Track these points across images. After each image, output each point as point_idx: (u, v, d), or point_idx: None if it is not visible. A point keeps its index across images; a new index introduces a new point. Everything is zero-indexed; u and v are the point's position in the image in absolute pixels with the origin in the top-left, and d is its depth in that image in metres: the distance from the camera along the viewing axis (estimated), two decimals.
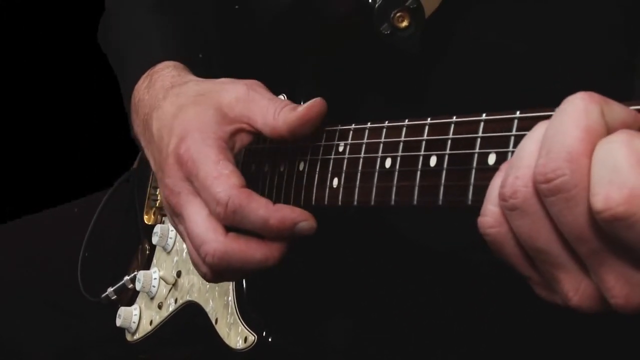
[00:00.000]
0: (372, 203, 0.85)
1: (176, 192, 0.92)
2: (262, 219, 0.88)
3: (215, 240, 0.89)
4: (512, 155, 0.67)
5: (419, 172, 0.79)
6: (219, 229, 0.89)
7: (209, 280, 0.94)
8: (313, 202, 0.94)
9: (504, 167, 0.67)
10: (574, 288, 0.63)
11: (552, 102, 0.66)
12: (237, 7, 1.23)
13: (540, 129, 0.63)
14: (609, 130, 0.60)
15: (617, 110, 0.61)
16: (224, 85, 0.98)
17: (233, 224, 0.89)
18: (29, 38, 2.38)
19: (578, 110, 0.59)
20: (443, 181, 0.76)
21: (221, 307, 1.06)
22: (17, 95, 2.37)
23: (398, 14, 0.96)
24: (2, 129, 2.35)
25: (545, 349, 1.04)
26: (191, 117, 0.94)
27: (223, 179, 0.88)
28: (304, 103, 1.03)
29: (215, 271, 0.91)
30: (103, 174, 1.37)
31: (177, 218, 0.94)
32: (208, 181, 0.89)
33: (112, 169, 1.35)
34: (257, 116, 0.94)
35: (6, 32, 2.34)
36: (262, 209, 0.88)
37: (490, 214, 0.66)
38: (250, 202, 0.88)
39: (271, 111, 0.93)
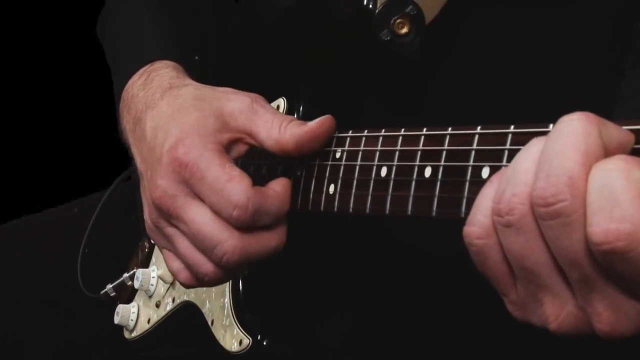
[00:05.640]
0: (367, 211, 0.85)
1: (170, 194, 0.90)
2: (279, 210, 0.90)
3: (232, 237, 0.88)
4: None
5: (413, 182, 0.79)
6: (230, 227, 0.88)
7: (208, 282, 0.93)
8: (309, 208, 0.94)
9: (495, 178, 0.66)
10: (556, 312, 0.63)
11: (550, 110, 0.66)
12: (237, 9, 1.23)
13: (536, 145, 0.63)
14: (606, 152, 0.59)
15: (613, 132, 0.60)
16: (227, 94, 0.96)
17: (250, 225, 0.88)
18: (29, 38, 2.38)
19: (577, 132, 0.59)
20: (437, 192, 0.76)
21: (217, 309, 1.07)
22: (17, 95, 2.37)
23: (398, 20, 0.97)
24: (2, 129, 2.35)
25: (544, 353, 1.04)
26: (190, 121, 0.92)
27: (236, 182, 0.87)
28: (302, 107, 1.04)
29: (228, 268, 0.90)
30: (103, 174, 1.37)
31: (171, 220, 0.92)
32: (219, 185, 0.87)
33: (111, 169, 1.35)
34: (261, 128, 0.92)
35: (6, 32, 2.34)
36: (276, 201, 0.90)
37: (479, 225, 0.65)
38: (265, 198, 0.89)
39: (277, 125, 0.92)
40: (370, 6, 0.97)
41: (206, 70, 1.15)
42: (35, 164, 2.36)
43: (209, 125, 0.92)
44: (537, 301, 0.64)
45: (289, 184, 0.92)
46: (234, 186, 0.87)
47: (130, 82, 1.07)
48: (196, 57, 1.14)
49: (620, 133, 0.61)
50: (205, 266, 0.91)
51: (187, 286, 0.97)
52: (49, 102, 2.39)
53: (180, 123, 0.93)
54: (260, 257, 0.91)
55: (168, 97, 0.98)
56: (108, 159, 1.09)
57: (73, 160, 2.33)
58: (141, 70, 1.07)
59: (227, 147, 0.93)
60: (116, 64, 1.17)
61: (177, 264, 0.95)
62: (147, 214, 0.96)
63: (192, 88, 0.99)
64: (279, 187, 0.91)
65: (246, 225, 0.88)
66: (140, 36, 1.15)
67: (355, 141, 0.89)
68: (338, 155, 0.91)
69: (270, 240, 0.90)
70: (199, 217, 0.89)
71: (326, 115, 0.92)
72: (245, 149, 0.95)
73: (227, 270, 0.91)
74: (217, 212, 0.88)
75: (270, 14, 1.16)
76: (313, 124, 0.91)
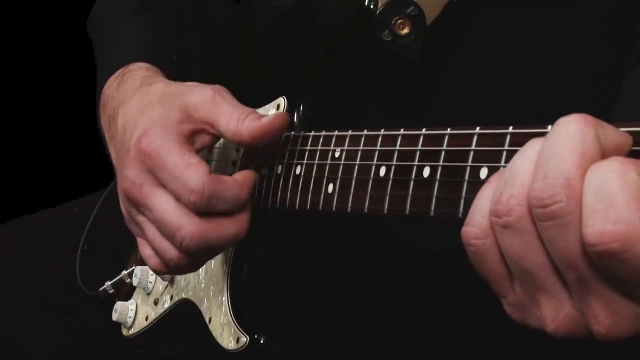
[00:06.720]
0: (366, 211, 0.85)
1: (138, 184, 0.95)
2: (236, 197, 0.93)
3: (191, 223, 0.92)
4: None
5: (412, 182, 0.79)
6: (191, 214, 0.92)
7: (174, 267, 0.96)
8: (308, 207, 0.95)
9: (494, 180, 0.66)
10: (553, 314, 0.63)
11: (551, 111, 0.66)
12: (237, 13, 1.24)
13: (534, 147, 0.63)
14: (603, 154, 0.59)
15: (611, 134, 0.60)
16: (192, 87, 1.01)
17: (207, 210, 0.92)
18: (28, 38, 2.38)
19: (574, 134, 0.59)
20: (435, 193, 0.76)
21: (215, 307, 1.07)
22: (17, 95, 2.37)
23: (399, 21, 0.97)
24: (2, 129, 2.35)
25: (543, 352, 1.04)
26: (156, 115, 0.98)
27: (194, 169, 0.92)
28: (303, 107, 1.05)
29: (190, 254, 0.94)
30: (103, 174, 1.38)
31: (139, 209, 0.97)
32: (178, 172, 0.92)
33: (111, 169, 1.35)
34: (221, 120, 0.96)
35: (6, 32, 2.34)
36: (233, 188, 0.93)
37: (477, 225, 0.65)
38: (222, 184, 0.92)
39: (235, 117, 0.96)
40: (372, 7, 0.97)
41: (187, 68, 1.20)
42: (35, 164, 2.36)
43: (173, 117, 0.97)
44: (535, 303, 0.64)
45: (252, 175, 0.97)
46: (192, 172, 0.91)
47: (107, 84, 1.12)
48: (174, 57, 1.18)
49: (617, 135, 0.61)
50: (170, 252, 0.95)
51: (158, 273, 1.03)
52: (49, 102, 2.39)
53: (146, 117, 0.98)
54: (221, 244, 0.95)
55: (139, 95, 1.04)
56: (107, 159, 1.10)
57: (73, 160, 2.33)
58: (117, 73, 1.12)
59: (190, 138, 0.97)
60: (99, 67, 1.22)
61: (148, 251, 0.99)
62: (122, 205, 1.02)
63: (161, 85, 1.05)
64: (240, 176, 0.96)
65: (203, 210, 0.92)
66: (120, 41, 1.20)
67: (355, 141, 0.90)
68: (337, 154, 0.92)
69: (230, 227, 0.94)
70: (162, 204, 0.94)
71: (281, 113, 0.99)
72: (210, 140, 0.99)
73: (190, 257, 0.95)
74: (178, 199, 0.92)
75: (272, 14, 1.16)
76: (267, 121, 0.95)
